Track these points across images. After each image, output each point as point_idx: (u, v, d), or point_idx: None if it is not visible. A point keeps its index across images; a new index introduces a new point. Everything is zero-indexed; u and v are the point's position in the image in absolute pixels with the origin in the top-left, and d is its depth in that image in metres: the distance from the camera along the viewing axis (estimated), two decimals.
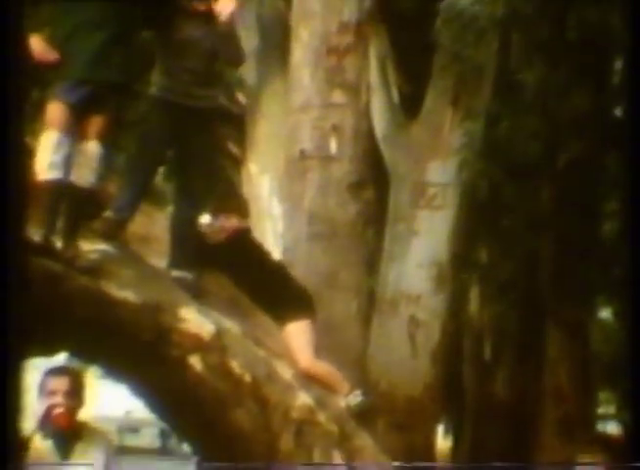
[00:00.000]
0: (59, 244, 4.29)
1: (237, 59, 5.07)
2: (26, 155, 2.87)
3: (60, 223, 4.35)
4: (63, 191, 4.37)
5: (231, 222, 4.82)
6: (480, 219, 6.88)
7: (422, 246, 6.13)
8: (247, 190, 6.83)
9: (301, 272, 5.48)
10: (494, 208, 6.95)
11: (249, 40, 6.60)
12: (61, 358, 5.04)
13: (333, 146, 5.91)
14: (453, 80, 5.86)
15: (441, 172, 6.04)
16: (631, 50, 4.03)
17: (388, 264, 6.20)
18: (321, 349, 4.81)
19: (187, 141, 4.74)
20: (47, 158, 4.35)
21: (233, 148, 7.09)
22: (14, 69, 2.86)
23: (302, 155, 5.91)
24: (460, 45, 5.66)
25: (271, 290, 4.83)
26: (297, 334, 4.77)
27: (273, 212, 6.80)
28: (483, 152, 6.08)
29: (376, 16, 6.08)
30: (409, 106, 6.27)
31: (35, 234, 4.22)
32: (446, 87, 5.97)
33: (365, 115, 6.04)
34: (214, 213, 4.80)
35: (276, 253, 5.73)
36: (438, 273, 6.12)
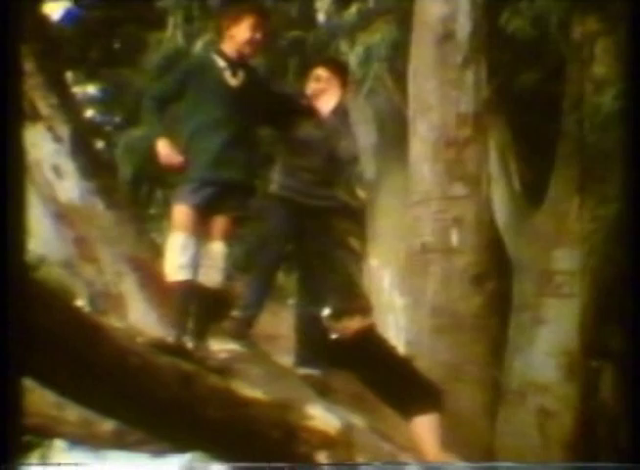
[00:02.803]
0: (190, 344, 4.58)
1: (350, 154, 5.32)
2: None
3: (190, 324, 4.65)
4: (192, 292, 4.69)
5: (355, 322, 5.02)
6: (609, 305, 6.88)
7: (550, 334, 6.21)
8: (367, 283, 7.01)
9: (425, 365, 5.59)
10: (624, 293, 6.93)
11: (367, 135, 6.88)
12: (188, 456, 5.30)
13: (454, 238, 6.04)
14: (579, 168, 5.97)
15: (568, 260, 6.13)
16: None
17: (513, 354, 6.27)
18: (448, 442, 4.90)
19: (308, 238, 4.99)
20: (175, 259, 4.69)
21: (353, 242, 7.31)
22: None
23: (424, 248, 6.05)
24: (585, 132, 5.77)
25: (398, 384, 4.97)
26: (425, 428, 4.88)
27: (395, 306, 6.95)
28: (612, 237, 6.12)
29: (494, 106, 6.25)
30: (532, 194, 6.39)
31: (168, 335, 4.54)
32: (572, 174, 6.08)
33: (486, 205, 6.17)
34: (338, 314, 5.01)
35: (399, 346, 5.88)
36: (569, 362, 6.17)
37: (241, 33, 4.83)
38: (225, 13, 5.16)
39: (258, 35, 4.83)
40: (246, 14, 4.87)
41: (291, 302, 7.30)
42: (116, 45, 10.91)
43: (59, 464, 4.41)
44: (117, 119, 10.25)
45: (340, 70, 5.23)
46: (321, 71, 5.06)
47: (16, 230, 3.02)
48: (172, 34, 7.45)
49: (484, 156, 6.19)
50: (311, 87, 5.07)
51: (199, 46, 7.16)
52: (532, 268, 6.25)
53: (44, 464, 4.35)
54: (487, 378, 6.23)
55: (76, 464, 4.34)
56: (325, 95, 5.04)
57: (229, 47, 4.86)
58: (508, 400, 6.20)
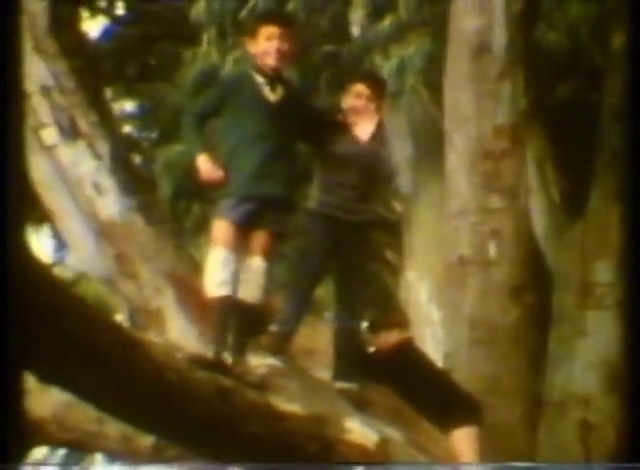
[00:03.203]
0: (229, 359, 4.63)
1: (387, 169, 5.36)
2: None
3: (229, 339, 4.70)
4: (231, 307, 4.73)
5: (393, 336, 5.05)
6: None
7: (591, 346, 6.19)
8: (405, 297, 7.04)
9: (463, 378, 5.61)
10: None
11: (402, 148, 6.92)
12: None
13: (492, 250, 6.05)
14: (619, 178, 5.95)
15: (609, 271, 6.12)
16: None
17: (553, 367, 6.26)
18: (487, 455, 4.91)
19: (345, 252, 5.03)
20: (215, 275, 4.74)
21: (390, 255, 7.35)
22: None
23: (461, 260, 6.07)
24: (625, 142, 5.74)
25: (436, 397, 4.99)
26: (463, 441, 4.90)
27: (432, 318, 6.98)
28: None
29: (531, 117, 6.26)
30: (571, 205, 6.38)
31: (207, 350, 4.60)
32: (612, 185, 6.06)
33: (524, 217, 6.18)
34: (376, 328, 5.04)
35: (437, 359, 5.90)
36: (610, 374, 6.13)
37: (259, 45, 4.86)
38: (248, 27, 5.21)
39: (275, 44, 4.82)
40: (260, 25, 4.91)
41: (327, 315, 7.36)
42: (152, 61, 11.06)
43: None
44: (154, 135, 10.36)
45: (379, 85, 5.25)
46: (361, 88, 5.08)
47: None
48: (206, 50, 7.54)
49: (522, 167, 6.19)
50: (350, 103, 5.10)
51: (231, 61, 7.24)
52: (573, 280, 6.23)
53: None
54: (527, 390, 6.22)
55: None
56: (364, 111, 5.08)
57: (259, 61, 4.90)
58: (549, 413, 6.19)
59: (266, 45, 4.84)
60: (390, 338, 5.05)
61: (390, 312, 5.19)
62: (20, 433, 2.92)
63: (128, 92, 11.14)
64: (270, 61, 4.84)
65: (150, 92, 10.61)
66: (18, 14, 2.93)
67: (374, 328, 5.06)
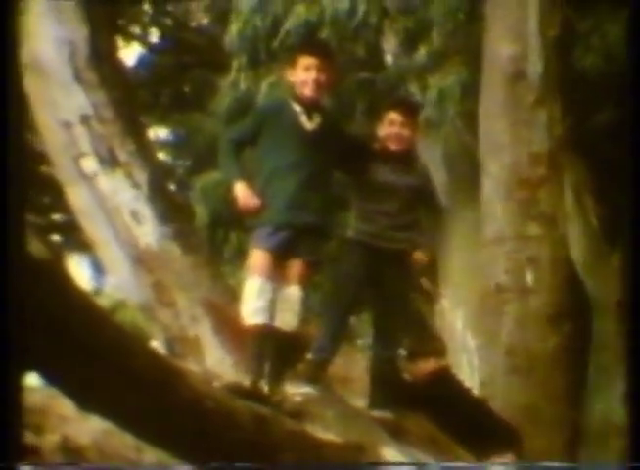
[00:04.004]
0: (266, 388, 4.68)
1: (434, 209, 5.41)
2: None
3: (266, 368, 4.75)
4: (268, 336, 4.79)
5: (429, 364, 5.08)
6: None
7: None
8: (440, 324, 7.06)
9: (500, 406, 5.61)
10: None
11: (436, 175, 6.96)
12: None
13: (529, 278, 6.07)
14: None
15: None
16: None
17: (593, 395, 6.24)
18: None
19: (382, 280, 5.08)
20: (252, 303, 4.80)
21: (425, 283, 7.38)
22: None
23: (498, 288, 6.10)
24: None
25: (473, 426, 5.01)
26: None
27: (468, 346, 6.98)
28: None
29: (568, 144, 6.27)
30: (610, 231, 6.38)
31: (244, 379, 4.66)
32: None
33: (562, 244, 6.18)
34: (412, 356, 5.08)
35: (473, 387, 5.91)
36: None
37: (297, 75, 4.94)
38: (285, 57, 5.29)
39: (313, 75, 4.90)
40: (299, 55, 4.98)
41: (360, 342, 7.40)
42: (186, 89, 11.22)
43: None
44: (188, 163, 10.49)
45: (413, 112, 5.31)
46: (395, 115, 5.14)
47: None
48: (239, 78, 7.64)
49: (559, 194, 6.21)
50: (385, 131, 5.16)
51: (265, 89, 7.33)
52: (612, 307, 6.23)
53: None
54: (566, 419, 6.21)
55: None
56: (399, 138, 5.14)
57: (297, 91, 4.98)
58: (589, 443, 6.16)
59: (304, 75, 4.92)
60: (427, 366, 5.08)
61: (427, 340, 5.22)
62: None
63: (162, 120, 11.31)
64: (308, 91, 4.92)
65: (184, 120, 10.77)
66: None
67: (411, 356, 5.10)
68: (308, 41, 5.37)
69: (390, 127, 5.14)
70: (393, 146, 5.13)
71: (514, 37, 6.25)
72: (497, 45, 6.27)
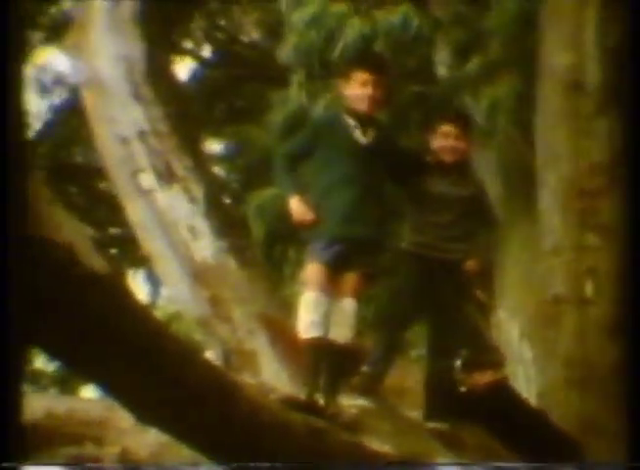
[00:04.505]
0: (321, 401, 4.73)
1: (489, 219, 5.42)
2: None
3: (322, 380, 4.80)
4: (323, 349, 4.85)
5: (487, 376, 5.09)
6: None
7: None
8: (496, 335, 7.04)
9: (558, 418, 5.58)
10: None
11: (492, 186, 6.95)
12: None
13: (589, 289, 6.03)
14: None
15: None
16: None
17: None
18: None
19: (438, 292, 5.10)
20: (307, 317, 4.86)
21: (480, 294, 7.38)
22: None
23: (556, 299, 6.07)
24: None
25: (531, 438, 4.99)
26: None
27: (524, 357, 6.95)
28: None
29: (630, 153, 6.21)
30: None
31: (300, 392, 4.71)
32: None
33: (623, 255, 6.12)
34: (469, 368, 5.09)
35: (530, 398, 5.89)
36: None
37: (353, 89, 4.99)
38: (342, 71, 5.35)
39: (369, 91, 4.95)
40: (355, 70, 5.04)
41: (413, 353, 7.40)
42: (240, 103, 11.33)
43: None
44: (242, 177, 10.58)
45: (466, 124, 5.36)
46: (448, 128, 5.19)
47: None
48: (295, 92, 7.70)
49: (620, 205, 6.16)
50: (439, 143, 5.20)
51: (321, 103, 7.39)
52: None
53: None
54: (625, 433, 6.14)
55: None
56: (453, 150, 5.17)
57: (351, 105, 5.03)
58: None
59: (360, 91, 4.97)
60: (484, 378, 5.09)
61: (485, 352, 5.22)
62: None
63: (216, 134, 11.43)
64: (363, 106, 4.98)
65: (237, 133, 10.86)
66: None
67: (467, 367, 5.11)
68: (365, 56, 5.40)
69: (444, 139, 5.18)
70: (448, 158, 5.18)
71: (570, 46, 6.23)
72: (554, 54, 6.24)
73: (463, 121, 5.35)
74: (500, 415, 5.05)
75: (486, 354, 5.28)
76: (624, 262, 6.06)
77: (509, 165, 7.30)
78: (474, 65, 7.10)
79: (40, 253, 3.04)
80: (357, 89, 4.97)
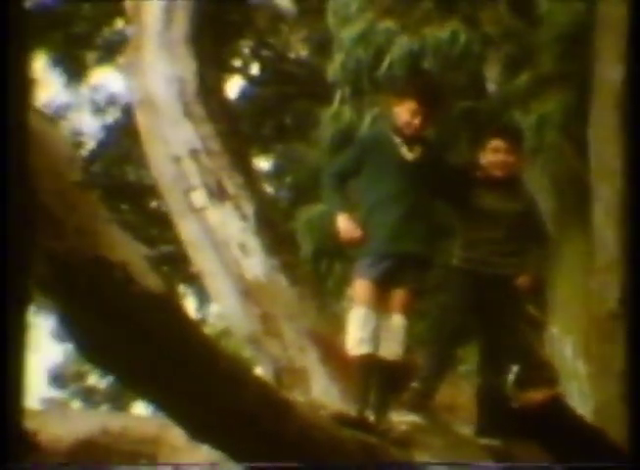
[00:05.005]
0: (372, 417, 4.77)
1: (540, 234, 5.41)
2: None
3: (372, 397, 4.83)
4: (373, 365, 4.88)
5: (540, 393, 5.07)
6: None
7: None
8: (548, 352, 7.01)
9: (615, 435, 5.53)
10: None
11: (544, 202, 6.93)
12: None
13: None
14: None
15: None
16: None
17: None
18: None
19: (489, 307, 5.10)
20: (357, 333, 4.90)
21: (533, 310, 7.34)
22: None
23: (611, 315, 6.03)
24: None
25: (589, 454, 4.95)
26: None
27: (578, 373, 6.91)
28: None
29: None
30: None
31: (350, 408, 4.74)
32: None
33: None
34: (522, 384, 5.08)
35: (585, 414, 5.85)
36: None
37: (402, 114, 5.02)
38: (391, 89, 5.36)
39: (416, 122, 4.97)
40: (407, 97, 5.04)
41: (463, 369, 7.38)
42: (288, 120, 11.43)
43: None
44: (291, 194, 10.66)
45: (516, 139, 5.36)
46: (498, 143, 5.19)
47: None
48: (342, 109, 7.75)
49: None
50: (489, 158, 5.21)
51: (368, 120, 7.42)
52: None
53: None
54: None
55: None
56: (504, 165, 5.18)
57: (398, 124, 5.06)
58: None
59: (408, 118, 4.98)
60: (538, 395, 5.07)
61: (538, 368, 5.21)
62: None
63: (265, 151, 11.54)
64: (408, 132, 5.01)
65: (286, 151, 10.96)
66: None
67: (521, 384, 5.10)
68: (419, 86, 5.34)
69: (495, 155, 5.18)
70: (498, 173, 5.18)
71: (625, 61, 6.20)
72: (607, 69, 6.23)
73: (513, 136, 5.36)
74: (554, 432, 5.03)
75: (539, 371, 5.27)
76: None
77: (561, 180, 7.27)
78: (523, 80, 7.10)
79: (96, 272, 3.13)
80: (406, 116, 5.00)
